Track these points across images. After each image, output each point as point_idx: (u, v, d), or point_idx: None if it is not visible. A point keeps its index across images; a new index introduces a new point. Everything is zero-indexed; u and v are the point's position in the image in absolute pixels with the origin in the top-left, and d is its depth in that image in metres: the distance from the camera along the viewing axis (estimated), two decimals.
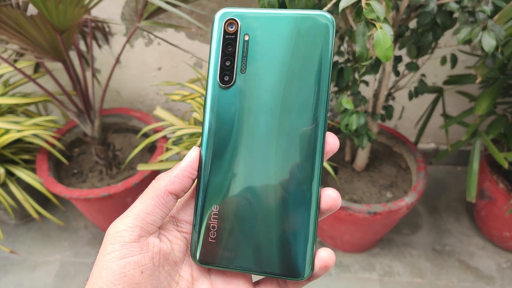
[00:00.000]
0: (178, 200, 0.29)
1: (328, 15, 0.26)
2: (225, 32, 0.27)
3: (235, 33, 0.27)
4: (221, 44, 0.27)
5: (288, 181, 0.27)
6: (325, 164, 0.91)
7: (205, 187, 0.28)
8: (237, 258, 0.27)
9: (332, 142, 0.27)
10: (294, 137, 0.27)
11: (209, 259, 0.28)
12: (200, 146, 0.28)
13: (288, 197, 0.27)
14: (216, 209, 0.28)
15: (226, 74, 0.27)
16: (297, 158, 0.27)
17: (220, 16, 0.27)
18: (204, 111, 0.28)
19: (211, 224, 0.28)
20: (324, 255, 0.27)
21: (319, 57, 0.26)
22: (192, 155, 0.28)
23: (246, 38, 0.27)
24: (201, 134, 0.28)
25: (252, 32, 0.27)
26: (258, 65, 0.27)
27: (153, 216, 0.26)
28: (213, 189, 0.28)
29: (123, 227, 0.25)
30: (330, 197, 0.27)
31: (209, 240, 0.28)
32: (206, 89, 0.28)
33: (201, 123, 1.03)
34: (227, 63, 0.27)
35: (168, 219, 0.29)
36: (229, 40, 0.27)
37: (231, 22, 0.27)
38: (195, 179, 0.28)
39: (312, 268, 0.27)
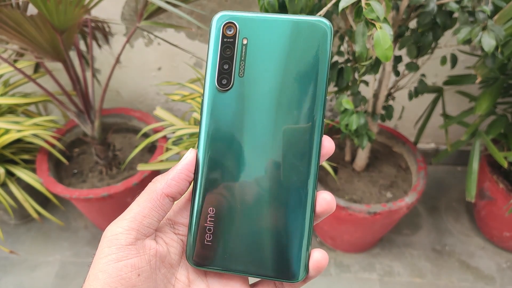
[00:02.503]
0: (175, 202, 0.29)
1: (327, 22, 0.27)
2: (224, 35, 0.27)
3: (234, 36, 0.27)
4: (219, 47, 0.27)
5: (283, 184, 0.27)
6: (325, 164, 0.91)
7: (201, 190, 0.28)
8: (233, 261, 0.27)
9: (328, 145, 0.28)
10: (290, 141, 0.27)
11: (204, 261, 0.28)
12: (197, 148, 0.28)
13: (283, 200, 0.27)
14: (212, 211, 0.28)
15: (224, 77, 0.27)
16: (293, 161, 0.27)
17: (218, 19, 0.27)
18: (201, 114, 0.28)
19: (207, 227, 0.28)
20: (317, 256, 0.27)
21: (317, 63, 0.27)
22: (188, 158, 0.28)
23: (245, 41, 0.27)
24: (198, 136, 0.28)
25: (251, 35, 0.27)
26: (256, 69, 0.27)
27: (150, 219, 0.26)
28: (210, 191, 0.28)
29: (120, 230, 0.25)
30: (325, 200, 0.27)
31: (205, 242, 0.28)
32: (203, 92, 0.28)
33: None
34: (225, 67, 0.27)
35: (165, 221, 0.29)
36: (228, 44, 0.27)
37: (229, 25, 0.27)
38: (191, 182, 0.28)
39: (307, 270, 0.27)
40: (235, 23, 0.27)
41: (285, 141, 0.27)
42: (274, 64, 0.27)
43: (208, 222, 0.28)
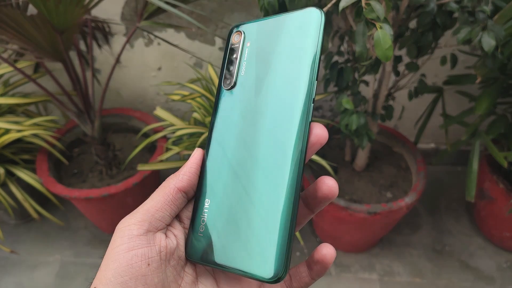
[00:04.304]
0: None
1: (316, 9, 0.27)
2: (232, 43, 0.30)
3: (239, 42, 0.30)
4: (227, 53, 0.30)
5: (266, 174, 0.26)
6: (325, 164, 0.91)
7: (202, 183, 0.29)
8: (216, 254, 0.27)
9: (319, 133, 0.26)
10: (274, 128, 0.27)
11: (194, 254, 0.28)
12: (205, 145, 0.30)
13: (264, 192, 0.26)
14: (208, 203, 0.28)
15: (229, 78, 0.30)
16: (276, 149, 0.26)
17: (231, 30, 0.31)
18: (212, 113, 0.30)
19: (202, 218, 0.28)
20: (324, 251, 0.26)
21: (304, 48, 0.27)
22: (197, 153, 0.29)
23: (248, 44, 0.29)
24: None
25: (253, 39, 0.29)
26: (254, 66, 0.29)
27: (162, 212, 0.27)
28: (208, 184, 0.29)
29: (133, 221, 0.26)
30: (326, 184, 0.26)
31: (198, 234, 0.28)
32: (215, 94, 0.30)
33: (202, 123, 1.03)
34: (230, 68, 0.30)
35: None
36: (234, 49, 0.30)
37: (237, 33, 0.30)
38: None
39: (285, 271, 0.25)
40: (241, 30, 0.30)
41: (270, 130, 0.27)
42: (269, 58, 0.28)
43: (203, 214, 0.28)
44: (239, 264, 0.26)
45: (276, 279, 0.24)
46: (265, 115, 0.27)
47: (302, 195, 0.29)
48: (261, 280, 0.25)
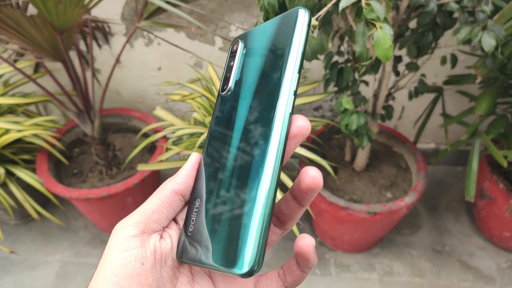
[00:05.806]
0: None
1: (301, 8, 0.27)
2: (232, 52, 0.32)
3: (237, 50, 0.31)
4: (227, 61, 0.32)
5: (244, 170, 0.26)
6: (325, 164, 0.91)
7: (196, 185, 0.29)
8: (198, 252, 0.27)
9: (300, 124, 0.26)
10: (256, 124, 0.27)
11: (183, 253, 0.28)
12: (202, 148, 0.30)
13: (240, 189, 0.26)
14: (198, 202, 0.29)
15: (226, 83, 0.31)
16: (255, 144, 0.26)
17: (233, 41, 0.32)
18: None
19: (192, 218, 0.28)
20: (302, 242, 0.26)
21: (287, 44, 0.27)
22: (194, 157, 0.30)
23: (244, 51, 0.31)
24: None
25: (249, 45, 0.31)
26: (246, 70, 0.30)
27: (158, 214, 0.27)
28: (200, 186, 0.29)
29: (128, 223, 0.27)
30: (308, 175, 0.25)
31: (188, 234, 0.28)
32: (216, 100, 0.32)
33: (201, 123, 1.03)
34: (228, 75, 0.31)
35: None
36: (232, 57, 0.31)
37: (236, 42, 0.32)
38: None
39: (259, 264, 0.25)
40: (239, 39, 0.31)
41: (251, 127, 0.27)
42: (258, 61, 0.29)
43: (193, 214, 0.29)
44: (216, 261, 0.26)
45: (248, 273, 0.24)
46: (249, 114, 0.28)
47: (290, 189, 0.29)
48: (235, 275, 0.25)
